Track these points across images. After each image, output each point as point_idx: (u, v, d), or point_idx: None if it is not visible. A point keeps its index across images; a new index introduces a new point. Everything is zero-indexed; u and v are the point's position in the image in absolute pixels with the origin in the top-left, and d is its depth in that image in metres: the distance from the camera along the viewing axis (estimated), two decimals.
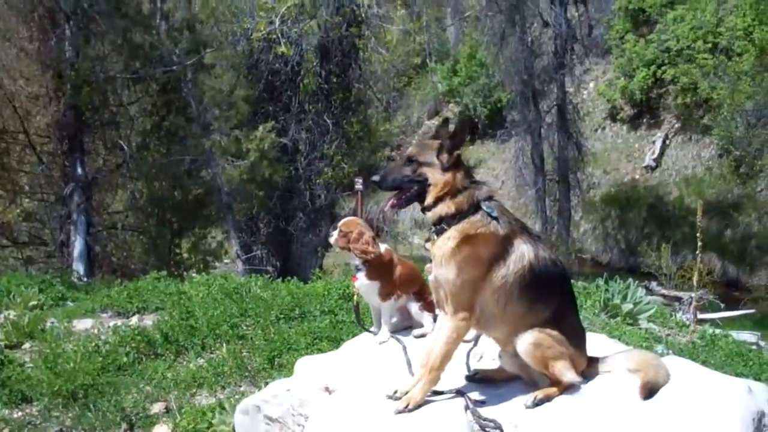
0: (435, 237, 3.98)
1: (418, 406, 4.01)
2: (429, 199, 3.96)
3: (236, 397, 6.43)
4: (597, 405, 3.87)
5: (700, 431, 3.63)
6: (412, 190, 4.00)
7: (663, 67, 32.69)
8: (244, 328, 8.41)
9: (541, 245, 4.12)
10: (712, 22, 31.17)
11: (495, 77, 37.79)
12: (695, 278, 9.30)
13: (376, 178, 4.06)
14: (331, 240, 5.09)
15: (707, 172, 31.76)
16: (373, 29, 20.08)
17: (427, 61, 44.14)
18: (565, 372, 3.97)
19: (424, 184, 3.96)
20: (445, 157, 3.96)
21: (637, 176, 34.47)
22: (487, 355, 4.62)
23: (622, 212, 33.13)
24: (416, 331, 5.12)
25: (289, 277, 11.47)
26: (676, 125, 34.01)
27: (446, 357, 4.04)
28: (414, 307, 5.14)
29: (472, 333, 4.41)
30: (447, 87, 42.48)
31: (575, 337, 4.10)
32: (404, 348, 4.84)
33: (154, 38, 20.50)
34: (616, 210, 33.51)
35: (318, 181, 21.04)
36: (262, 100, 21.09)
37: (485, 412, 3.90)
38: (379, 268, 5.01)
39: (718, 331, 9.32)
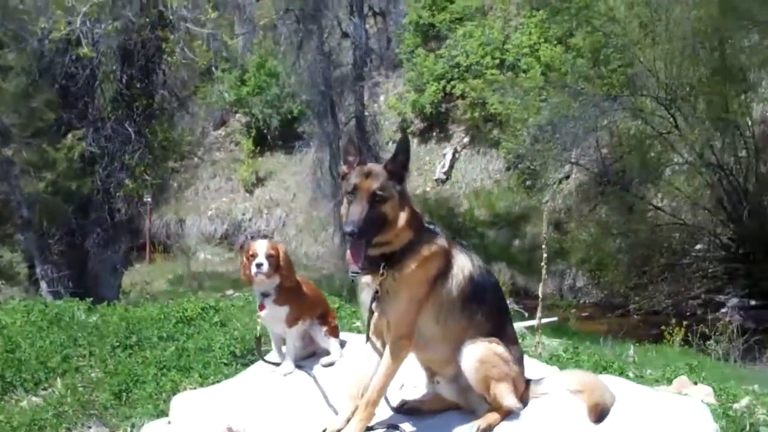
0: (385, 271, 3.54)
1: None
2: (390, 236, 3.53)
3: None
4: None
5: None
6: (373, 233, 3.48)
7: (452, 82, 33.58)
8: (78, 359, 7.50)
9: (474, 254, 3.89)
10: (500, 39, 32.49)
11: (287, 88, 37.42)
12: (540, 289, 9.38)
13: (352, 229, 3.37)
14: (263, 270, 4.35)
15: (495, 184, 32.99)
16: (180, 33, 19.05)
17: (213, 69, 42.95)
18: (507, 396, 3.73)
19: (383, 223, 3.51)
20: (397, 186, 3.56)
21: (428, 189, 35.19)
22: (408, 383, 4.23)
23: None
24: (325, 360, 4.66)
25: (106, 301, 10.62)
26: (465, 139, 35.09)
27: (383, 389, 3.74)
28: (319, 333, 4.68)
29: None
30: (235, 97, 41.60)
31: (515, 351, 3.90)
32: (315, 379, 4.40)
33: None
34: None
35: (118, 194, 19.68)
36: (57, 107, 19.47)
37: None
38: (288, 292, 4.50)
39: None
